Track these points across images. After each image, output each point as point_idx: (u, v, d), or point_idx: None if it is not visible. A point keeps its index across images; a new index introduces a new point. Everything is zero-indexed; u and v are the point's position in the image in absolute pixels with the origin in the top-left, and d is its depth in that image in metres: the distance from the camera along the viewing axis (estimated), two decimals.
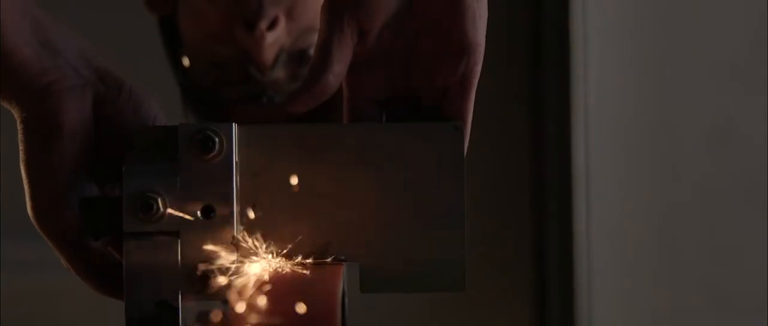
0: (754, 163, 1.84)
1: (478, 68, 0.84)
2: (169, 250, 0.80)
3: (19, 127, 0.82)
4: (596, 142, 1.84)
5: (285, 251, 0.82)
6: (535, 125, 1.91)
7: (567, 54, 1.85)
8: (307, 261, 0.82)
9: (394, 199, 0.83)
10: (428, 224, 0.83)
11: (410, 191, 0.83)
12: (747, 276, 1.84)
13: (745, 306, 1.84)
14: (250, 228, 0.81)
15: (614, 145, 1.85)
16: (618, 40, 1.84)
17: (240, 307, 0.79)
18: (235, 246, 0.81)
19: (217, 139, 0.81)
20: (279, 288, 0.79)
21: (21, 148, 0.82)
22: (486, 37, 0.85)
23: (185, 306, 0.81)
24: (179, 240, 0.80)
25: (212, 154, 0.81)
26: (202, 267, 0.80)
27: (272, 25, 1.24)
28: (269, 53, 1.24)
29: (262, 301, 0.79)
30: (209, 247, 0.81)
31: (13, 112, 0.82)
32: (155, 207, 0.80)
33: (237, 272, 0.80)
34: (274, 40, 1.24)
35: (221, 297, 0.80)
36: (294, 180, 0.83)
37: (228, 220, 0.81)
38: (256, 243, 0.81)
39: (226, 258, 0.81)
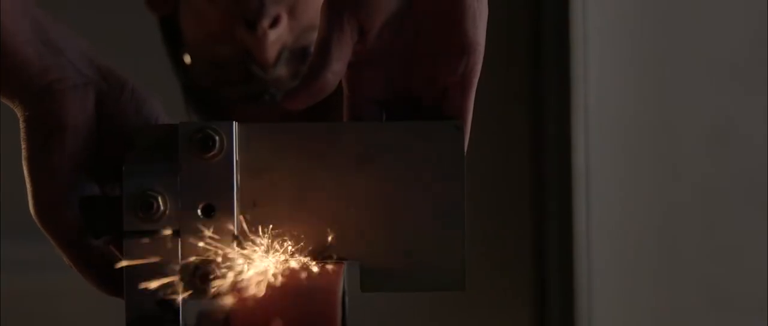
0: (754, 163, 1.84)
1: (479, 68, 0.85)
2: (169, 249, 0.80)
3: (21, 125, 0.82)
4: (596, 142, 1.84)
5: (285, 250, 0.82)
6: (535, 125, 1.92)
7: (567, 54, 1.85)
8: (308, 260, 0.82)
9: (395, 198, 0.83)
10: (428, 223, 0.83)
11: (410, 190, 0.83)
12: (747, 276, 1.84)
13: (745, 306, 1.84)
14: (251, 227, 0.82)
15: (614, 145, 1.85)
16: (618, 40, 1.84)
17: (240, 306, 0.79)
18: (235, 245, 0.81)
19: (217, 138, 0.81)
20: (279, 287, 0.80)
21: (23, 146, 0.82)
22: (486, 36, 0.85)
23: (185, 306, 0.81)
24: (179, 239, 0.80)
25: (212, 153, 0.81)
26: (202, 266, 0.80)
27: (274, 23, 1.24)
28: (271, 51, 1.24)
29: (262, 300, 0.79)
30: (210, 246, 0.81)
31: (15, 110, 0.82)
32: (155, 206, 0.80)
33: (237, 271, 0.80)
34: (276, 38, 1.24)
35: (221, 296, 0.80)
36: (294, 180, 0.83)
37: (228, 219, 0.81)
38: (257, 242, 0.81)
39: (227, 257, 0.81)
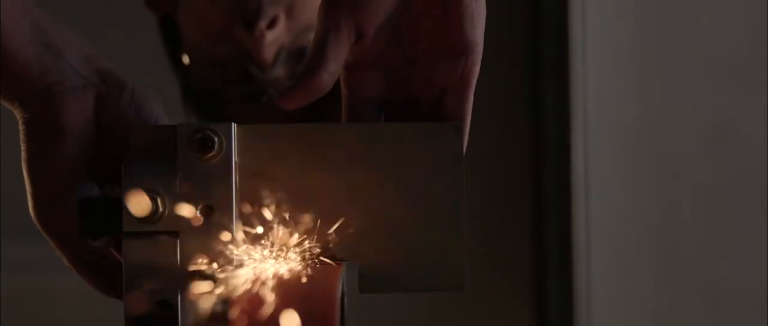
0: (754, 163, 1.84)
1: (477, 68, 0.85)
2: (169, 250, 0.80)
3: (20, 127, 0.82)
4: (595, 142, 1.84)
5: (284, 251, 0.82)
6: (535, 125, 1.92)
7: (566, 53, 1.85)
8: (307, 261, 0.82)
9: (393, 199, 0.83)
10: (427, 224, 0.83)
11: (409, 191, 0.83)
12: (747, 277, 1.84)
13: (744, 306, 1.84)
14: (250, 227, 0.82)
15: (613, 145, 1.85)
16: (617, 40, 1.84)
17: (239, 307, 0.79)
18: (234, 245, 0.81)
19: (216, 139, 0.81)
20: (278, 288, 0.80)
21: (22, 148, 0.82)
22: (485, 37, 0.85)
23: (185, 306, 0.81)
24: (178, 240, 0.80)
25: (211, 154, 0.81)
26: (201, 267, 0.81)
27: (272, 23, 1.24)
28: (269, 52, 1.24)
29: (261, 301, 0.79)
30: (209, 247, 0.81)
31: (14, 112, 0.82)
32: (155, 206, 0.80)
33: (236, 272, 0.80)
34: (274, 38, 1.24)
35: (221, 296, 0.80)
36: (293, 181, 0.83)
37: (227, 220, 0.81)
38: (256, 243, 0.81)
39: (226, 257, 0.81)
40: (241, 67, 1.26)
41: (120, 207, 0.80)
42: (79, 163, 0.82)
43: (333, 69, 0.83)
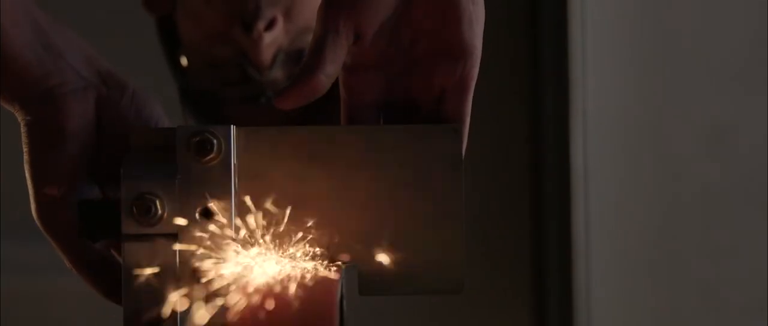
0: (754, 163, 1.84)
1: (475, 71, 0.85)
2: (168, 252, 0.80)
3: (22, 129, 0.82)
4: (595, 142, 1.84)
5: (283, 253, 0.82)
6: (534, 126, 1.92)
7: (566, 54, 1.85)
8: (306, 263, 0.82)
9: (393, 202, 0.83)
10: (426, 227, 0.83)
11: (408, 193, 0.83)
12: (747, 276, 1.84)
13: (744, 306, 1.84)
14: (249, 230, 0.82)
15: (613, 146, 1.85)
16: (617, 40, 1.84)
17: (239, 309, 0.79)
18: (233, 247, 0.81)
19: (215, 141, 0.81)
20: (277, 290, 0.80)
21: (24, 150, 0.82)
22: (484, 38, 0.85)
23: (184, 308, 0.81)
24: (178, 242, 0.80)
25: (210, 156, 0.81)
26: (200, 268, 0.81)
27: (270, 25, 1.24)
28: (267, 54, 1.24)
29: (260, 303, 0.79)
30: (208, 249, 0.81)
31: (15, 114, 0.82)
32: (154, 209, 0.80)
33: (235, 274, 0.80)
34: (272, 40, 1.24)
35: (220, 298, 0.80)
36: (292, 184, 0.83)
37: (227, 222, 0.81)
38: (255, 245, 0.82)
39: (225, 259, 0.81)
40: (239, 68, 1.26)
41: (119, 209, 0.80)
42: (79, 164, 0.82)
43: (330, 70, 0.83)
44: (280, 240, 0.82)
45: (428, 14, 0.83)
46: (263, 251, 0.82)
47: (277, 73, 1.25)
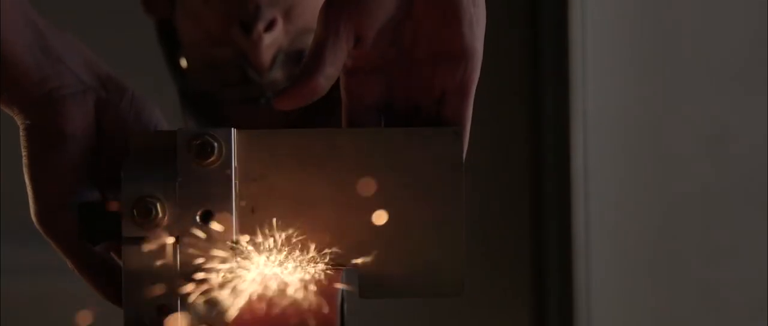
0: (754, 163, 1.84)
1: (476, 74, 0.85)
2: (168, 255, 0.80)
3: (21, 133, 0.82)
4: (595, 143, 1.84)
5: (284, 256, 0.82)
6: (534, 126, 1.92)
7: (566, 54, 1.85)
8: (306, 266, 0.82)
9: (393, 205, 0.83)
10: (427, 230, 0.83)
11: (409, 197, 0.83)
12: (747, 277, 1.84)
13: (744, 306, 1.84)
14: (250, 233, 0.82)
15: (613, 146, 1.85)
16: (617, 40, 1.84)
17: (239, 312, 0.79)
18: (234, 251, 0.81)
19: (216, 144, 0.81)
20: (277, 293, 0.80)
21: (23, 153, 0.82)
22: (485, 37, 0.85)
23: (184, 311, 0.81)
24: (178, 245, 0.80)
25: (211, 159, 0.81)
26: (201, 271, 0.80)
27: (269, 26, 1.23)
28: (267, 55, 1.23)
29: (260, 306, 0.79)
30: (208, 252, 0.81)
31: (15, 118, 0.82)
32: (154, 211, 0.80)
33: (236, 277, 0.80)
34: (272, 41, 1.23)
35: (220, 301, 0.80)
36: (292, 187, 0.83)
37: (227, 225, 0.81)
38: (255, 248, 0.81)
39: (225, 263, 0.81)
40: (238, 69, 1.25)
41: (120, 211, 0.80)
42: (79, 168, 0.82)
43: (330, 72, 0.83)
44: (281, 244, 0.82)
45: (429, 17, 0.83)
46: (264, 254, 0.82)
47: (277, 74, 1.25)
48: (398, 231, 0.83)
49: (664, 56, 1.84)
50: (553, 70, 1.88)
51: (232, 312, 0.79)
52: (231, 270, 0.80)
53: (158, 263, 0.80)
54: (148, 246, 0.80)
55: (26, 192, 0.83)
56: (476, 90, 0.86)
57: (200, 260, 0.80)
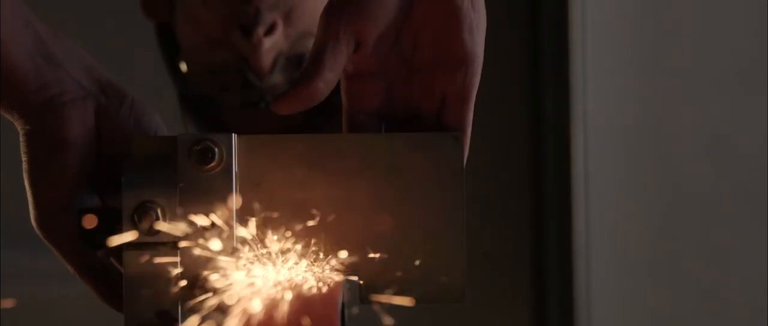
0: (754, 163, 1.84)
1: (477, 79, 0.84)
2: (169, 261, 0.80)
3: (21, 139, 0.82)
4: (595, 142, 1.84)
5: (284, 262, 0.82)
6: (534, 127, 1.91)
7: (566, 54, 1.85)
8: (307, 272, 0.82)
9: (395, 210, 0.83)
10: (428, 236, 0.83)
11: (410, 201, 0.83)
12: (746, 277, 1.84)
13: (744, 306, 1.84)
14: (250, 238, 0.81)
15: (613, 146, 1.85)
16: (617, 40, 1.84)
17: (240, 318, 0.79)
18: (234, 256, 0.81)
19: (216, 150, 0.81)
20: (278, 299, 0.79)
21: (23, 159, 0.82)
22: (485, 37, 0.85)
23: (185, 317, 0.81)
24: (179, 251, 0.80)
25: (212, 165, 0.81)
26: (202, 277, 0.80)
27: (270, 30, 1.23)
28: (267, 59, 1.23)
29: (261, 312, 0.79)
30: (209, 257, 0.80)
31: (15, 124, 0.82)
32: (155, 217, 0.80)
33: (237, 282, 0.80)
34: (272, 45, 1.23)
35: (221, 307, 0.80)
36: (293, 192, 0.83)
37: (228, 231, 0.81)
38: (256, 254, 0.81)
39: (226, 268, 0.81)
40: (238, 73, 1.25)
41: (120, 217, 0.80)
42: (79, 174, 0.82)
43: (329, 77, 0.82)
44: (282, 249, 0.82)
45: (429, 22, 0.83)
46: (264, 260, 0.81)
47: (277, 78, 1.25)
48: (399, 237, 0.83)
49: (664, 56, 1.84)
50: (553, 70, 1.88)
51: (233, 319, 0.79)
52: (231, 276, 0.80)
53: (159, 269, 0.80)
54: (149, 252, 0.80)
55: (27, 197, 0.83)
56: (476, 91, 0.86)
57: (201, 266, 0.80)
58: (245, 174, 0.82)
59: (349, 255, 0.82)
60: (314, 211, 0.82)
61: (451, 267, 0.83)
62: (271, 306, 0.79)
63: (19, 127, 0.82)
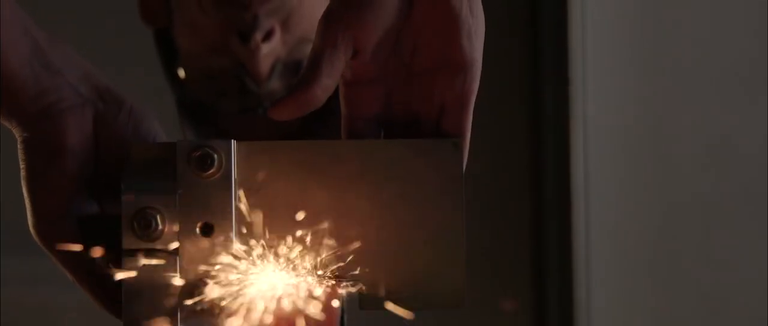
0: (754, 164, 1.84)
1: (476, 84, 0.84)
2: (168, 268, 0.80)
3: (19, 146, 0.82)
4: (595, 143, 1.84)
5: (284, 268, 0.82)
6: (534, 128, 1.91)
7: (566, 54, 1.85)
8: (306, 278, 0.82)
9: (394, 216, 0.83)
10: (427, 241, 0.83)
11: (409, 208, 0.83)
12: (746, 278, 1.84)
13: (744, 307, 1.84)
14: (250, 245, 0.81)
15: (613, 146, 1.85)
16: (617, 41, 1.84)
17: (239, 325, 0.79)
18: (234, 263, 0.81)
19: (216, 156, 0.81)
20: (278, 305, 0.80)
21: (21, 166, 0.82)
22: (485, 37, 0.85)
23: (184, 323, 0.81)
24: (178, 257, 0.80)
25: (211, 171, 0.81)
26: (201, 284, 0.80)
27: (267, 36, 1.23)
28: (264, 65, 1.23)
29: (261, 319, 0.79)
30: (208, 264, 0.80)
31: (13, 131, 0.82)
32: (154, 224, 0.80)
33: (236, 289, 0.80)
34: (270, 51, 1.23)
35: (221, 314, 0.80)
36: (293, 199, 0.83)
37: (227, 237, 0.81)
38: (256, 261, 0.81)
39: (226, 275, 0.81)
40: (236, 79, 1.25)
41: (119, 224, 0.80)
42: (77, 181, 0.82)
43: (327, 83, 0.82)
44: (281, 256, 0.82)
45: (428, 28, 0.83)
46: (263, 266, 0.81)
47: (275, 84, 1.25)
48: (398, 243, 0.83)
49: (665, 57, 1.84)
50: (553, 71, 1.88)
51: (233, 325, 0.79)
52: (231, 283, 0.80)
53: (158, 275, 0.80)
54: (148, 259, 0.80)
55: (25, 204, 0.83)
56: (475, 97, 0.86)
57: (200, 272, 0.80)
58: (244, 180, 0.82)
59: (348, 262, 0.82)
60: (313, 217, 0.82)
61: (450, 273, 0.83)
62: (271, 313, 0.79)
63: (18, 134, 0.82)
